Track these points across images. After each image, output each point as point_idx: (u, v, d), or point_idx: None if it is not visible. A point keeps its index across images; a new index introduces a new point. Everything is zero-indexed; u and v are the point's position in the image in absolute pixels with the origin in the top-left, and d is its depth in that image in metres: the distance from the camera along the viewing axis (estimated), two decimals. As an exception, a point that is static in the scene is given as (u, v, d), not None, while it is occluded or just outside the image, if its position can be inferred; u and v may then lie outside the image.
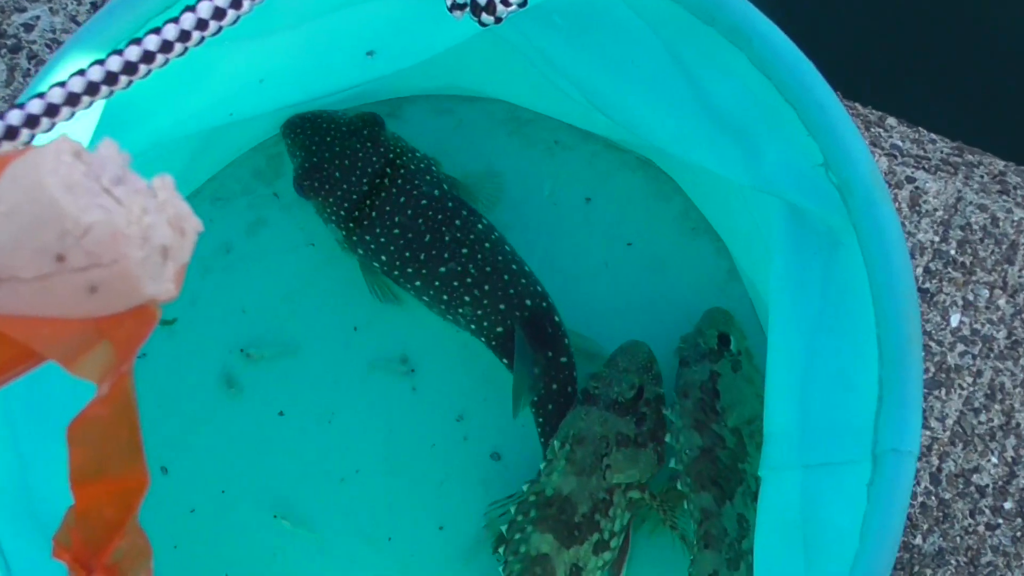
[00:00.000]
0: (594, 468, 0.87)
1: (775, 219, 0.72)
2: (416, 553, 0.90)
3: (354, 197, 0.87)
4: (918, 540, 0.93)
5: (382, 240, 0.87)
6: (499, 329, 0.88)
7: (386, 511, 0.91)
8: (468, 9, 0.57)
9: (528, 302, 0.88)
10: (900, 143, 1.02)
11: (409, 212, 0.87)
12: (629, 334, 0.92)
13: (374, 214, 0.87)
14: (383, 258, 0.88)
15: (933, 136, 1.03)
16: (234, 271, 0.94)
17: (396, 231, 0.87)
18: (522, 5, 0.58)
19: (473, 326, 0.89)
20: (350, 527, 0.91)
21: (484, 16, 0.58)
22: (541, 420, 0.89)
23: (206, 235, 0.81)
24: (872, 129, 1.02)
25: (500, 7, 0.58)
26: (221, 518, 0.91)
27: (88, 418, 0.41)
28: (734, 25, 0.62)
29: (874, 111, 1.03)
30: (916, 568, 0.93)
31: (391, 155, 0.88)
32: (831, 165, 0.63)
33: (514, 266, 0.88)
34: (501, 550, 0.86)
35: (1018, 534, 0.94)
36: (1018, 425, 0.95)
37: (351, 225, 0.88)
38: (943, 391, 0.96)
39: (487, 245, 0.88)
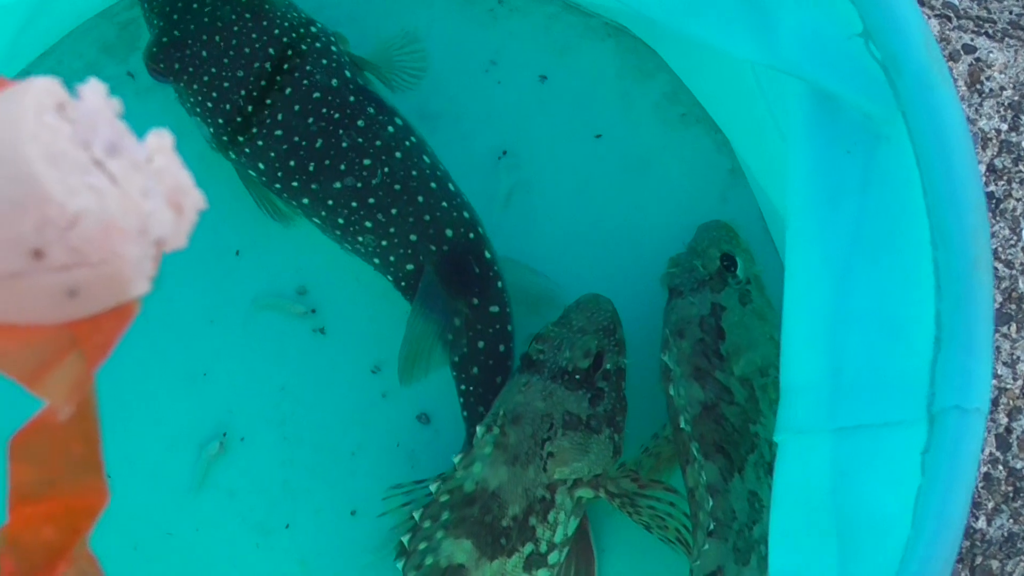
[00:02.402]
0: (531, 456, 0.80)
1: (795, 107, 0.67)
2: (321, 543, 0.85)
3: (225, 85, 0.81)
4: (981, 523, 0.87)
5: (259, 144, 0.81)
6: (409, 266, 0.83)
7: (282, 491, 0.85)
8: None
9: (449, 232, 0.83)
10: (955, 1, 0.95)
11: (296, 108, 0.81)
12: (597, 264, 0.88)
13: (250, 108, 0.81)
14: (260, 166, 0.82)
15: (1001, -7, 0.97)
16: None
17: (278, 132, 0.81)
18: None
19: (376, 260, 0.83)
20: (235, 512, 0.85)
21: None
22: (464, 388, 0.84)
23: None
24: (923, -12, 0.96)
25: None
26: None
27: (37, 430, 0.40)
28: None
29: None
30: (979, 559, 0.87)
31: (277, 31, 0.82)
32: (873, 34, 0.58)
33: (433, 184, 0.82)
34: (399, 564, 0.81)
35: None
36: None
37: (220, 121, 0.82)
38: (1013, 327, 0.90)
39: (398, 155, 0.81)
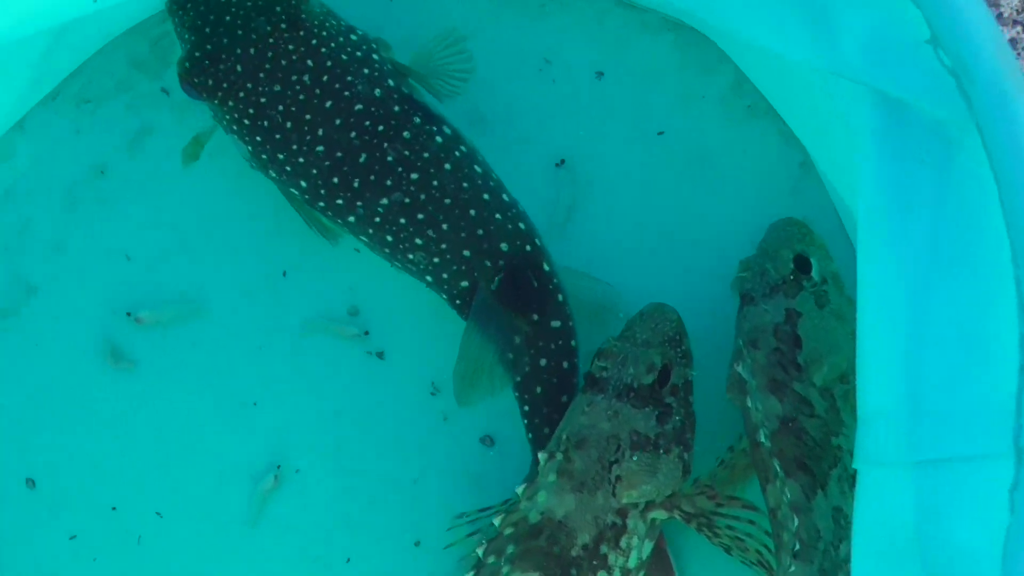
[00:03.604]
0: (599, 481, 0.78)
1: (862, 112, 0.66)
2: None
3: (263, 100, 0.79)
4: None
5: (300, 161, 0.79)
6: (463, 283, 0.81)
7: (342, 523, 0.83)
8: None
9: (504, 246, 0.80)
10: None
11: (338, 122, 0.79)
12: (663, 270, 0.86)
13: (289, 124, 0.79)
14: (303, 184, 0.80)
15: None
16: (112, 202, 0.87)
17: (320, 148, 0.79)
18: None
19: (429, 277, 0.82)
20: (293, 547, 0.83)
21: None
22: (527, 409, 0.82)
23: (71, 153, 0.87)
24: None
25: None
26: (114, 547, 0.84)
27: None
28: None
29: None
30: None
31: (315, 41, 0.80)
32: (942, 41, 0.57)
33: (485, 195, 0.80)
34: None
35: None
36: None
37: (259, 139, 0.80)
38: None
39: (447, 167, 0.80)
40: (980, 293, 0.58)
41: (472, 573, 0.78)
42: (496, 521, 0.79)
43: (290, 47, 0.79)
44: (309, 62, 0.79)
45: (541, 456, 0.79)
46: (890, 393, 0.66)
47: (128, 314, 0.84)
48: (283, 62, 0.79)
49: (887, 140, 0.64)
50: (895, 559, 0.65)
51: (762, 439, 0.77)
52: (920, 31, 0.58)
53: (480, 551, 0.79)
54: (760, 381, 0.77)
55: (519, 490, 0.79)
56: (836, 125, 0.75)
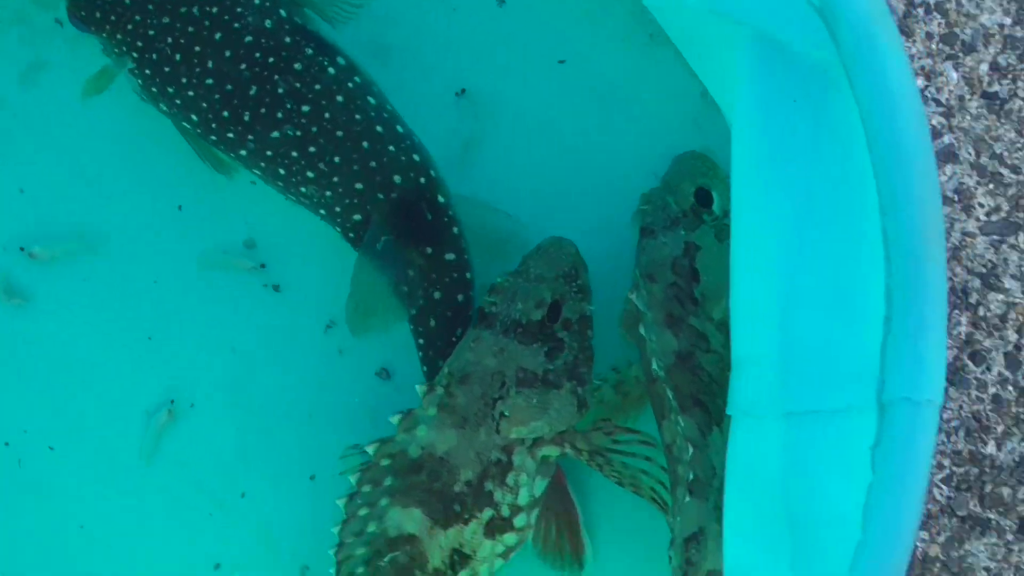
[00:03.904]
0: (482, 418, 0.79)
1: (740, 51, 0.66)
2: (279, 511, 0.83)
3: (151, 33, 0.79)
4: (990, 448, 0.86)
5: (190, 94, 0.80)
6: (356, 216, 0.81)
7: (237, 457, 0.84)
8: None
9: (397, 178, 0.81)
10: None
11: (227, 54, 0.79)
12: (564, 202, 0.85)
13: (179, 56, 0.79)
14: (194, 118, 0.81)
15: None
16: (5, 134, 0.86)
17: (209, 81, 0.79)
18: None
19: (322, 211, 0.82)
20: (189, 480, 0.84)
21: None
22: (422, 342, 0.82)
23: None
24: None
25: None
26: (9, 482, 0.85)
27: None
28: None
29: None
30: (988, 487, 0.86)
31: None
32: None
33: (378, 127, 0.81)
34: (335, 530, 0.79)
35: None
36: None
37: (148, 72, 0.80)
38: (1020, 236, 0.88)
39: (339, 98, 0.80)
40: (852, 242, 0.59)
41: (345, 499, 0.78)
42: (370, 450, 0.79)
43: None
44: None
45: (419, 389, 0.79)
46: (761, 342, 0.66)
47: (21, 249, 0.84)
48: None
49: (763, 81, 0.65)
50: (763, 510, 0.66)
51: (658, 373, 0.77)
52: None
53: (354, 479, 0.79)
54: (656, 315, 0.77)
55: (394, 420, 0.79)
56: (722, 63, 0.75)
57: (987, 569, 0.87)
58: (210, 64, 0.79)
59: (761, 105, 0.65)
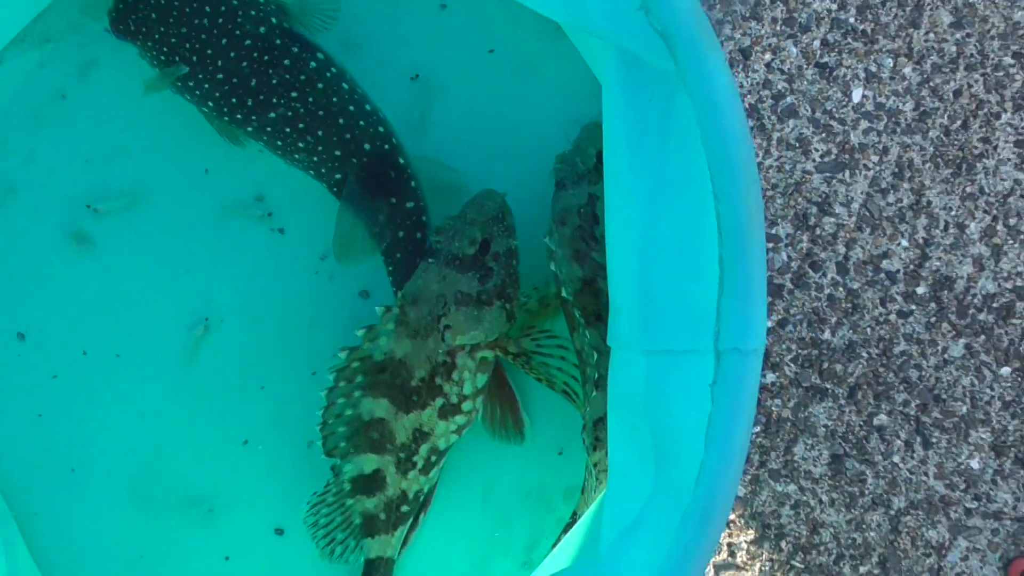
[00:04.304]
0: (430, 330, 0.88)
1: (607, 61, 0.72)
2: (289, 401, 0.94)
3: (173, 41, 0.87)
4: (826, 335, 0.95)
5: (206, 87, 0.87)
6: (337, 175, 0.89)
7: (255, 360, 0.94)
8: None
9: (367, 146, 0.89)
10: None
11: (232, 55, 0.87)
12: (498, 162, 0.93)
13: (195, 58, 0.87)
14: (210, 104, 0.88)
15: None
16: (71, 120, 0.94)
17: (220, 76, 0.87)
18: None
19: (311, 172, 0.90)
20: (219, 380, 0.94)
21: None
22: (391, 270, 0.90)
23: (36, 82, 0.93)
24: None
25: None
26: (85, 382, 0.94)
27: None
28: None
29: None
30: (826, 364, 0.95)
31: None
32: (650, 9, 0.61)
33: (351, 107, 0.89)
34: (319, 412, 0.88)
35: (932, 320, 0.96)
36: (929, 203, 0.96)
37: (172, 76, 0.88)
38: (847, 173, 0.96)
39: (320, 86, 0.88)
40: (693, 216, 0.63)
41: (325, 391, 0.87)
42: (341, 356, 0.88)
43: None
44: (207, 8, 0.86)
45: (378, 309, 0.88)
46: (628, 291, 0.72)
47: (87, 206, 0.92)
48: (187, 10, 0.86)
49: (623, 84, 0.70)
50: (634, 425, 0.72)
51: (567, 297, 0.86)
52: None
53: (331, 377, 0.87)
54: (566, 252, 0.86)
55: (359, 333, 0.88)
56: (597, 62, 0.82)
57: (825, 426, 0.95)
58: (219, 63, 0.87)
59: (623, 100, 0.71)
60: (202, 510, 0.94)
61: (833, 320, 0.95)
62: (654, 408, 0.67)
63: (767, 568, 0.95)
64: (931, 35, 0.96)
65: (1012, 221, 0.95)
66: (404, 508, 0.90)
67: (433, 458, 0.89)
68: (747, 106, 0.94)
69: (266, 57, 0.87)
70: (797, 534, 0.95)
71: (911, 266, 0.95)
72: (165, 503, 0.94)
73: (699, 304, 0.62)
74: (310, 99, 0.88)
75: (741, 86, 0.96)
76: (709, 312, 0.61)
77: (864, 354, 0.95)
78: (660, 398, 0.67)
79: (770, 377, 0.94)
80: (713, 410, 0.60)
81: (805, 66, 0.97)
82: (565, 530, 0.91)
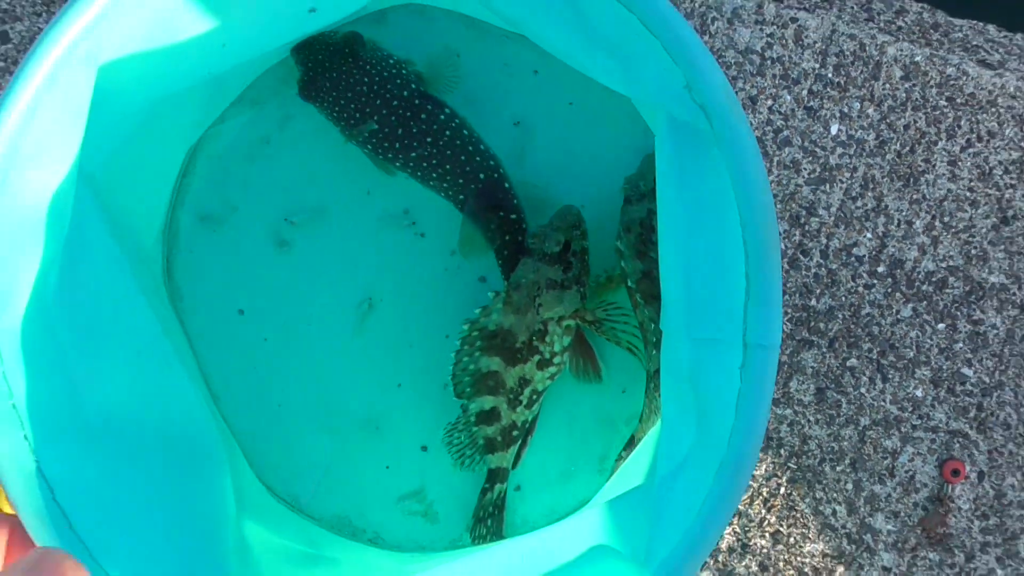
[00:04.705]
0: (528, 307, 0.92)
1: (659, 121, 0.72)
2: (429, 356, 1.02)
3: (342, 102, 0.94)
4: (813, 302, 1.03)
5: (366, 134, 0.94)
6: (461, 196, 0.96)
7: (405, 328, 1.03)
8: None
9: (482, 175, 0.94)
10: None
11: (384, 112, 0.93)
12: (577, 181, 0.99)
13: (357, 115, 0.94)
14: (369, 147, 0.96)
15: (814, -24, 1.05)
16: (274, 158, 1.01)
17: (375, 127, 0.94)
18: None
19: (443, 193, 0.97)
20: (378, 340, 1.03)
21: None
22: (500, 263, 0.96)
23: (249, 132, 1.02)
24: (760, -25, 1.05)
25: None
26: (286, 344, 1.03)
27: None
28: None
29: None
30: (812, 323, 1.03)
31: (367, 67, 0.94)
32: (693, 89, 0.62)
33: (470, 147, 0.94)
34: (450, 366, 0.95)
35: (888, 290, 1.04)
36: (886, 207, 1.04)
37: (342, 124, 0.96)
38: (827, 186, 1.04)
39: (447, 133, 0.94)
40: (726, 239, 0.63)
41: (454, 352, 0.95)
42: (465, 327, 0.94)
43: (354, 71, 0.93)
44: (365, 79, 0.93)
45: (490, 294, 0.95)
46: (676, 291, 0.72)
47: (286, 219, 1.01)
48: (351, 81, 0.93)
49: (672, 137, 0.69)
50: (681, 392, 0.71)
51: (630, 284, 0.90)
52: (681, 81, 0.63)
53: (458, 342, 0.95)
54: (631, 252, 0.89)
55: (477, 311, 0.94)
56: (651, 121, 0.82)
57: (812, 367, 1.04)
58: (376, 118, 0.93)
59: (671, 147, 0.69)
60: (370, 431, 1.02)
61: (818, 291, 1.02)
62: (696, 380, 0.68)
63: (770, 468, 1.03)
64: (887, 85, 1.03)
65: (946, 219, 1.03)
66: (515, 433, 0.95)
67: (534, 397, 0.95)
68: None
69: (408, 113, 0.93)
70: (792, 444, 1.02)
71: (873, 252, 1.03)
72: (344, 428, 1.02)
73: (730, 305, 0.63)
74: (440, 142, 0.94)
75: (750, 124, 0.93)
76: (738, 312, 0.62)
77: (840, 315, 1.02)
78: (701, 373, 0.67)
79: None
80: (742, 387, 0.61)
81: (796, 109, 1.04)
82: (626, 447, 0.96)
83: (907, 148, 1.03)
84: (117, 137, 0.74)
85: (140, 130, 0.79)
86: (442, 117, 0.94)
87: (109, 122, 0.70)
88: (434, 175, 0.95)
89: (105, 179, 0.74)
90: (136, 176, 0.86)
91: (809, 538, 1.01)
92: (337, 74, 0.93)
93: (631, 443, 0.95)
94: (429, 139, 0.94)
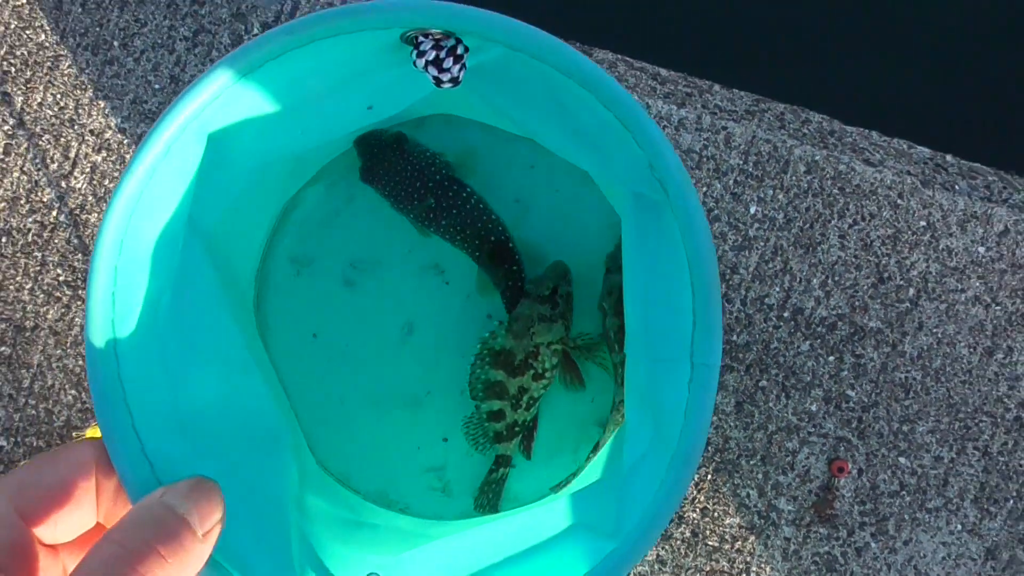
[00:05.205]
0: (525, 334, 0.90)
1: (624, 195, 0.69)
2: (452, 369, 0.96)
3: (392, 184, 0.91)
4: (734, 337, 0.98)
5: (408, 208, 0.91)
6: (478, 253, 0.92)
7: (435, 348, 0.97)
8: (432, 80, 0.66)
9: (493, 238, 0.91)
10: (720, 103, 1.01)
11: (423, 191, 0.90)
12: (565, 246, 0.94)
13: (402, 193, 0.91)
14: (410, 216, 0.92)
15: (741, 93, 1.03)
16: (343, 224, 0.97)
17: (416, 202, 0.90)
18: (455, 83, 0.62)
19: (463, 251, 0.93)
20: (415, 357, 0.96)
21: (443, 86, 0.67)
22: (505, 302, 0.93)
23: (323, 204, 0.95)
24: (703, 95, 1.01)
25: (445, 84, 0.67)
26: (346, 359, 0.96)
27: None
28: (584, 78, 0.58)
29: (704, 81, 1.03)
30: (733, 353, 0.98)
31: (411, 158, 0.90)
32: (654, 167, 0.60)
33: (485, 217, 0.90)
34: (467, 376, 0.91)
35: (791, 330, 0.97)
36: (791, 268, 0.99)
37: (391, 200, 0.92)
38: (747, 251, 0.98)
39: (468, 206, 0.91)
40: (677, 285, 0.60)
41: (471, 366, 0.90)
42: (478, 347, 0.90)
43: (401, 161, 0.89)
44: (409, 168, 0.89)
45: (496, 324, 0.91)
46: (637, 324, 0.69)
47: (351, 265, 0.96)
48: (398, 168, 0.89)
49: (635, 208, 0.67)
50: (641, 405, 0.68)
51: (612, 335, 0.86)
52: (645, 162, 0.60)
53: (473, 358, 0.90)
54: (611, 311, 0.85)
55: (486, 335, 0.90)
56: (617, 198, 0.76)
57: (732, 386, 0.98)
58: (415, 196, 0.90)
59: (634, 217, 0.67)
60: (406, 424, 0.96)
61: (738, 330, 0.97)
62: (653, 392, 0.65)
63: (701, 461, 0.95)
64: (793, 177, 0.98)
65: (836, 279, 0.98)
66: (517, 429, 0.91)
67: (531, 401, 0.91)
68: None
69: (439, 191, 0.90)
70: (716, 443, 0.98)
71: (781, 301, 0.98)
72: (386, 422, 0.96)
73: (681, 333, 0.60)
74: (463, 213, 0.90)
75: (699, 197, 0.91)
76: (687, 338, 0.59)
77: (754, 348, 0.98)
78: (657, 387, 0.64)
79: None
80: (689, 397, 0.58)
81: (725, 194, 0.98)
82: (592, 450, 0.90)
83: (808, 224, 0.98)
84: (226, 200, 0.70)
85: (240, 198, 0.74)
86: (464, 195, 0.91)
87: (216, 189, 0.66)
88: (458, 237, 0.92)
89: (214, 232, 0.71)
90: (238, 232, 0.82)
91: (729, 513, 0.97)
92: (389, 163, 0.90)
93: (596, 448, 0.90)
94: (455, 211, 0.91)
